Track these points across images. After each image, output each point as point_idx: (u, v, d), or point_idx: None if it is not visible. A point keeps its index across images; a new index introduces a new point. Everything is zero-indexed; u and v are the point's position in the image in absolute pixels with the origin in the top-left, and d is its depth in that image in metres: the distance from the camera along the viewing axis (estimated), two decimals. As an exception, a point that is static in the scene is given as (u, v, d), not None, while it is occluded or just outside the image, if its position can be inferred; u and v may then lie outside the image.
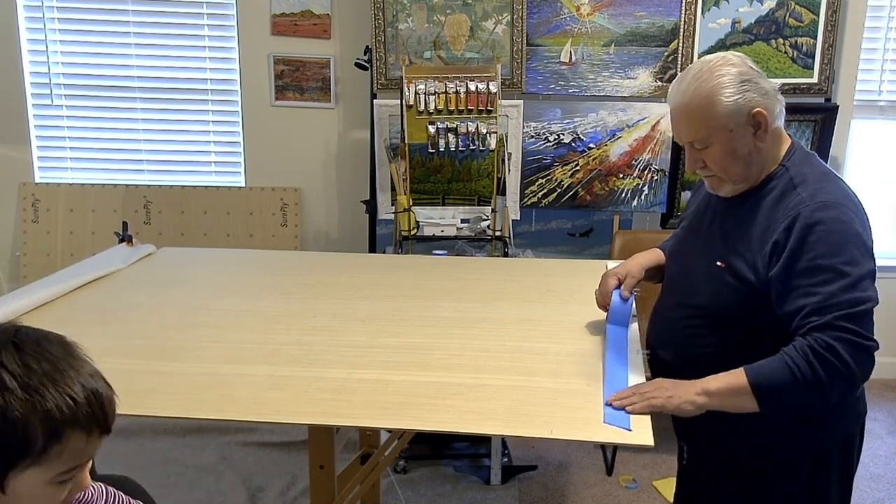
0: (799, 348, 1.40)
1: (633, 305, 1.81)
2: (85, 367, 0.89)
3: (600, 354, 1.69)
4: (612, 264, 2.32)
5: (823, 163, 1.61)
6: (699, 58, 3.26)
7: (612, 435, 1.38)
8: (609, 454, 3.13)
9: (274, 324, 1.89)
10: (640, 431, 1.38)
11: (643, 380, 1.57)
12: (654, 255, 1.86)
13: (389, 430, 2.73)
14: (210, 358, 1.69)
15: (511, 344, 1.77)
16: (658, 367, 1.72)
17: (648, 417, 1.42)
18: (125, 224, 2.57)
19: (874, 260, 1.47)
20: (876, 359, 1.43)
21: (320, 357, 1.69)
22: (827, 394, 1.41)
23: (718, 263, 1.57)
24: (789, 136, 1.62)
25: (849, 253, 1.43)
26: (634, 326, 1.81)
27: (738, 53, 1.58)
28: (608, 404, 1.45)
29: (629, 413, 1.43)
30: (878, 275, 1.47)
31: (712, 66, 1.53)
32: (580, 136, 3.48)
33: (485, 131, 3.11)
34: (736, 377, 1.43)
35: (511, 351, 1.73)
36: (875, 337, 1.41)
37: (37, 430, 0.82)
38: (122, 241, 2.49)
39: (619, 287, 1.78)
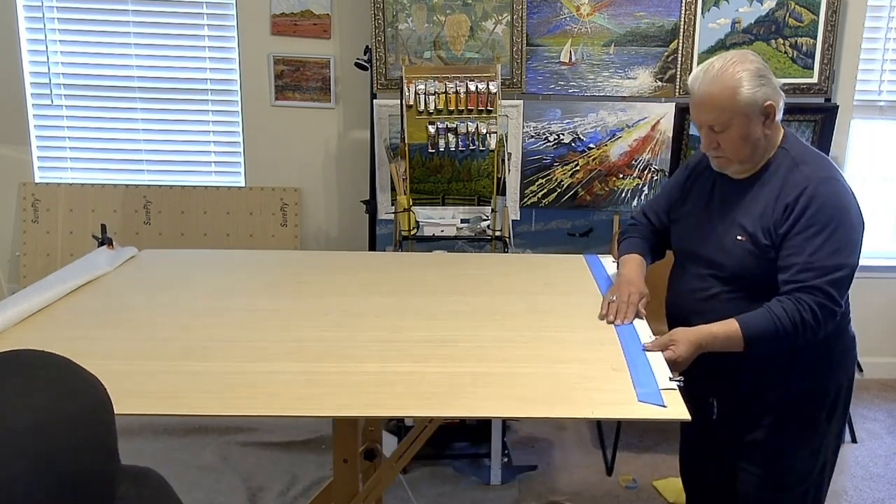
0: (786, 306, 1.74)
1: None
2: None
3: (617, 342, 1.74)
4: (610, 260, 2.34)
5: (810, 145, 1.95)
6: (699, 58, 3.39)
7: (649, 412, 1.45)
8: (609, 454, 3.13)
9: (288, 322, 1.89)
10: (674, 407, 1.45)
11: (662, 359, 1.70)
12: (641, 268, 2.06)
13: (403, 430, 2.73)
14: (235, 356, 1.68)
15: (528, 334, 1.80)
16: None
17: (679, 394, 1.49)
18: (104, 227, 2.48)
19: (861, 230, 1.80)
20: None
21: (346, 352, 1.69)
22: (797, 342, 1.76)
23: (739, 238, 1.84)
24: (781, 125, 1.91)
25: (839, 223, 1.75)
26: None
27: (754, 53, 1.86)
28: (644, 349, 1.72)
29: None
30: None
31: (736, 62, 1.80)
32: (580, 136, 3.49)
33: (485, 131, 3.11)
34: (729, 325, 1.76)
35: (531, 340, 1.77)
36: (842, 301, 1.77)
37: None
38: (101, 244, 2.40)
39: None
